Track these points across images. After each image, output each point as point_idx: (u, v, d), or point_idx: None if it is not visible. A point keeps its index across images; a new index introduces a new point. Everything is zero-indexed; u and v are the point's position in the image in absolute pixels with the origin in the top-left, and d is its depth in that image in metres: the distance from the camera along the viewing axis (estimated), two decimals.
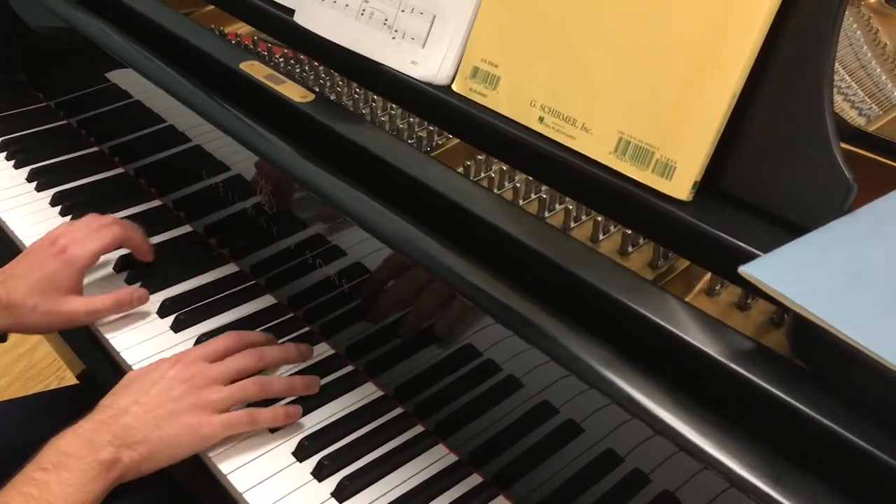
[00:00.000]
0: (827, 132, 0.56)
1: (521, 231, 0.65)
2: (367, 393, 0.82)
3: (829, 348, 0.48)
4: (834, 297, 0.50)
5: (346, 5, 0.80)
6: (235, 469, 0.75)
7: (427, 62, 0.76)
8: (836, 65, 0.98)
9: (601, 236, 0.76)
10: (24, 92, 1.28)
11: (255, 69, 0.85)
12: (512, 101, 0.71)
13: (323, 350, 0.87)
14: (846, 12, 1.04)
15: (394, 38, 0.78)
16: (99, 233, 0.89)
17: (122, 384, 0.77)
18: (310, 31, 0.82)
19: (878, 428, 0.48)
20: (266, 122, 0.83)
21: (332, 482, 0.74)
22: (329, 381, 0.83)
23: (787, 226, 0.58)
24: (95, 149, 1.17)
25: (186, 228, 1.03)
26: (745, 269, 0.52)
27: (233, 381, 0.78)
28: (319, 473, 0.75)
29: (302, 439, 0.77)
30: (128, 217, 0.99)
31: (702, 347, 0.55)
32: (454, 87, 0.75)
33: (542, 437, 0.71)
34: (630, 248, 0.74)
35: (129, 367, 0.84)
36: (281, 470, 0.75)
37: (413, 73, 0.77)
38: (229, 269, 0.97)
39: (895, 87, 0.95)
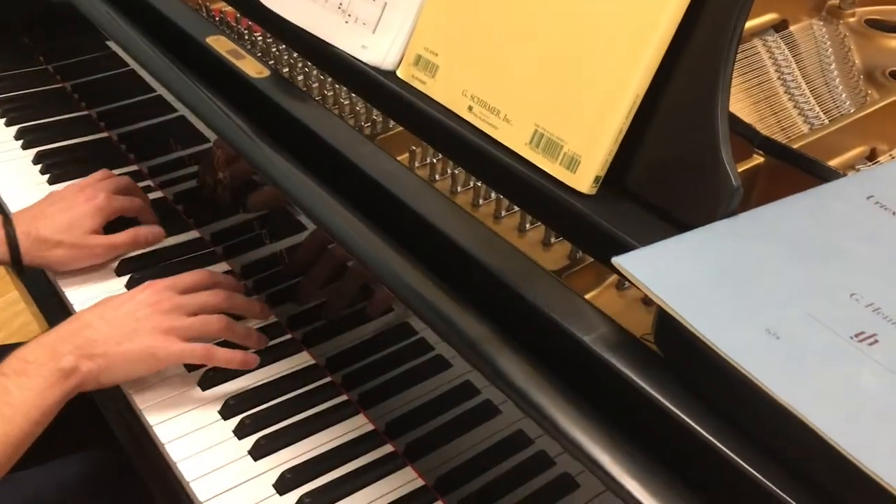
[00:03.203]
0: (716, 137, 0.58)
1: (431, 213, 0.68)
2: (300, 361, 0.86)
3: (680, 338, 0.51)
4: (693, 292, 0.52)
5: None
6: (162, 421, 0.79)
7: (376, 47, 0.79)
8: (798, 76, 1.01)
9: (528, 226, 0.78)
10: (26, 54, 1.33)
11: (219, 43, 0.89)
12: (447, 89, 0.74)
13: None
14: (823, 29, 1.07)
15: (346, 21, 0.81)
16: (124, 195, 0.98)
17: (95, 304, 0.81)
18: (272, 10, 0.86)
19: (714, 416, 0.51)
20: (226, 95, 0.86)
21: (250, 441, 0.77)
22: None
23: (678, 224, 0.61)
24: (85, 112, 1.21)
25: (158, 194, 1.07)
26: (617, 260, 0.55)
27: (197, 315, 0.82)
28: (240, 432, 0.78)
29: (228, 398, 0.81)
30: None
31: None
32: (398, 73, 0.78)
33: (459, 416, 0.74)
34: (553, 240, 0.77)
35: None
36: (205, 426, 0.79)
37: (362, 57, 0.79)
38: (193, 234, 1.01)
39: (853, 105, 0.96)
